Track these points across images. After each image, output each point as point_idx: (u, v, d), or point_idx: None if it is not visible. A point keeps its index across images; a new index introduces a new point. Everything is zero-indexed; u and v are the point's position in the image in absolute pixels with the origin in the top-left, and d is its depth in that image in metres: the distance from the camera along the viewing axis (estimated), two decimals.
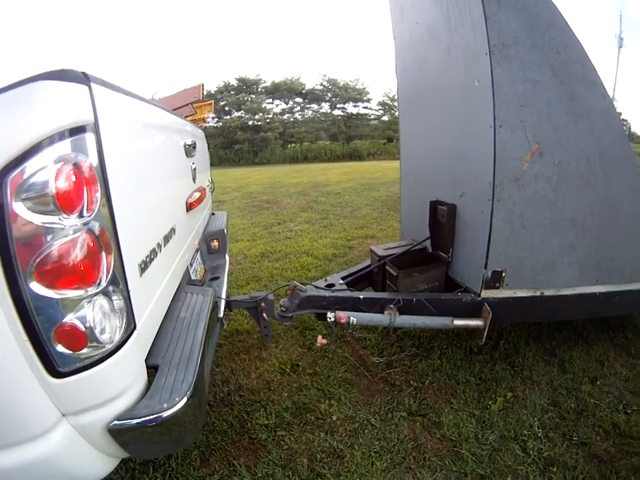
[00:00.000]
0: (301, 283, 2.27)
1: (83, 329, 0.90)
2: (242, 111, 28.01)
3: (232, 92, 28.61)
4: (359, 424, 2.00)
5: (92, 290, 0.91)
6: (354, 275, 2.66)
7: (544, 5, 1.90)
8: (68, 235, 0.86)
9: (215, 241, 2.58)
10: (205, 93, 4.53)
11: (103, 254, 0.93)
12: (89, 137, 0.91)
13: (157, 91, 21.85)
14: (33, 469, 0.95)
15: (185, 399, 1.07)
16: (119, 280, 0.99)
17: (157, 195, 1.46)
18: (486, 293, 2.12)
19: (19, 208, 0.81)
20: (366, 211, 7.06)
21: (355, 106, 30.29)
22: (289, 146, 28.45)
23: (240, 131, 26.78)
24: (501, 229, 2.01)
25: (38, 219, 0.82)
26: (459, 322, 2.09)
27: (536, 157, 1.95)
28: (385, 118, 29.88)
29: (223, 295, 2.08)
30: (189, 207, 1.93)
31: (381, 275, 2.59)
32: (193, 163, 2.12)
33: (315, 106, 30.16)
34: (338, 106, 30.06)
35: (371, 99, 30.35)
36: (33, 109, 0.83)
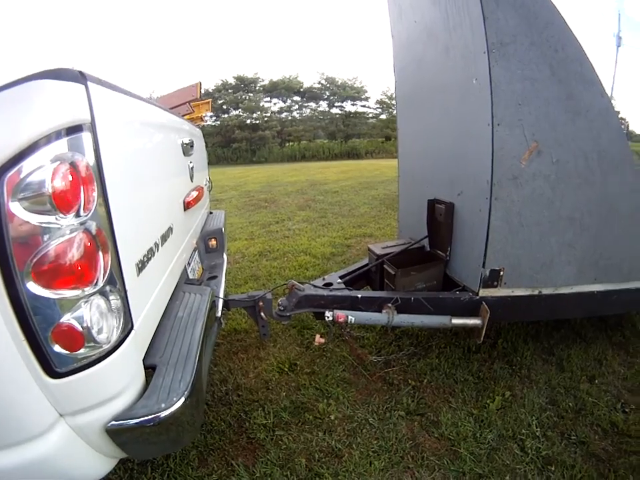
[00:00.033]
0: (299, 282, 2.27)
1: (80, 329, 0.89)
2: (240, 110, 27.97)
3: (230, 90, 28.57)
4: (357, 423, 2.01)
5: (89, 290, 0.91)
6: (352, 273, 2.66)
7: (542, 3, 1.90)
8: (65, 235, 0.85)
9: (213, 239, 2.58)
10: (202, 91, 4.51)
11: (100, 253, 0.93)
12: (86, 136, 0.91)
13: (154, 90, 21.77)
14: (31, 469, 0.95)
15: (182, 399, 1.07)
16: (116, 280, 0.99)
17: (154, 194, 1.45)
18: (484, 292, 2.12)
19: (16, 208, 0.80)
20: (364, 209, 7.06)
21: (353, 104, 30.34)
22: (287, 144, 28.45)
23: (238, 129, 26.77)
24: (499, 228, 2.01)
25: (35, 219, 0.82)
26: (457, 321, 2.09)
27: (534, 156, 1.95)
28: (383, 116, 29.89)
29: (221, 294, 2.08)
30: (187, 205, 1.93)
31: (378, 273, 2.59)
32: (191, 162, 2.12)
33: (312, 104, 30.20)
34: (336, 104, 30.08)
35: (369, 98, 30.41)
36: (29, 108, 0.82)
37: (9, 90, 0.82)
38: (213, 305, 1.81)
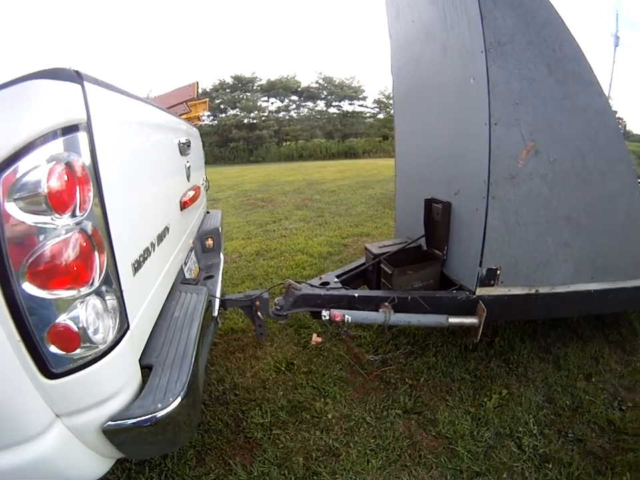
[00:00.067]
0: (295, 282, 2.27)
1: (76, 329, 0.89)
2: (237, 109, 27.93)
3: (227, 90, 28.51)
4: (354, 422, 2.01)
5: (85, 290, 0.90)
6: (349, 273, 2.66)
7: (540, 2, 1.90)
8: (60, 235, 0.85)
9: (210, 239, 2.57)
10: (199, 91, 4.50)
11: (96, 254, 0.92)
12: (82, 136, 0.90)
13: (151, 89, 21.69)
14: (28, 470, 0.95)
15: (179, 399, 1.07)
16: (112, 280, 0.98)
17: (151, 193, 1.45)
18: (481, 291, 2.12)
19: (11, 208, 0.80)
20: (361, 208, 7.06)
21: (350, 104, 30.32)
22: (284, 144, 28.38)
23: (235, 129, 26.72)
24: (496, 227, 2.01)
25: (30, 219, 0.82)
26: (453, 319, 2.10)
27: (531, 155, 1.95)
28: (381, 116, 29.90)
29: (218, 294, 2.07)
30: (183, 205, 1.92)
31: (375, 273, 2.59)
32: (188, 162, 2.11)
33: (310, 104, 30.16)
34: (333, 104, 30.05)
35: (367, 97, 30.40)
36: (25, 108, 0.82)
37: (5, 90, 0.81)
38: (210, 305, 1.80)
